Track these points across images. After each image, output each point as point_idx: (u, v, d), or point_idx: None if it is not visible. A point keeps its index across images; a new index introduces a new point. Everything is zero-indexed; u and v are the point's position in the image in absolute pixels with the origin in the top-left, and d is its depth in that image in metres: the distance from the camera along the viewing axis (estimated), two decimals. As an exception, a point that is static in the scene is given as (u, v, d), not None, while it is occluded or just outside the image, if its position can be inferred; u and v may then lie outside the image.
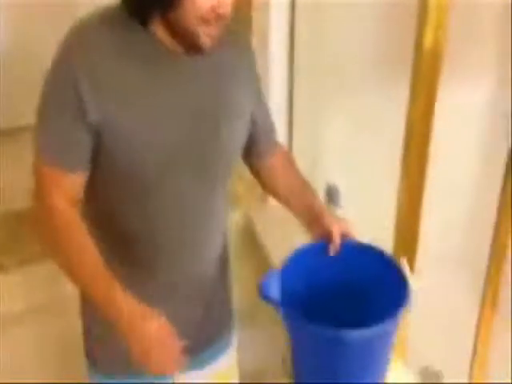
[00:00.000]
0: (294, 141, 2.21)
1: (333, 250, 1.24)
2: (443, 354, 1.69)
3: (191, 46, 1.09)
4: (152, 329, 1.02)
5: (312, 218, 1.27)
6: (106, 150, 1.10)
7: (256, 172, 1.36)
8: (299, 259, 1.23)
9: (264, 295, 1.14)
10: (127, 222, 1.17)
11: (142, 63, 1.09)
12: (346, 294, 1.26)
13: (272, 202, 2.04)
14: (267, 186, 1.37)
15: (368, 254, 1.24)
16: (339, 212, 1.91)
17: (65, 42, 1.07)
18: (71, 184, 1.12)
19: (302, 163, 2.19)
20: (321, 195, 1.94)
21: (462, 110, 1.85)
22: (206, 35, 1.07)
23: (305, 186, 1.33)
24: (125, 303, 1.04)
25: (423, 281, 1.57)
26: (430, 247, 1.58)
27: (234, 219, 2.22)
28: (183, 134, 1.13)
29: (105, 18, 1.09)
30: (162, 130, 1.11)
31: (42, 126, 1.10)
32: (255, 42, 2.08)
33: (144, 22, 1.07)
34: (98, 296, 1.06)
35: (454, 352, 1.65)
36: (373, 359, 1.16)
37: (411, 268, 1.53)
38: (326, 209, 1.31)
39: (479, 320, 1.49)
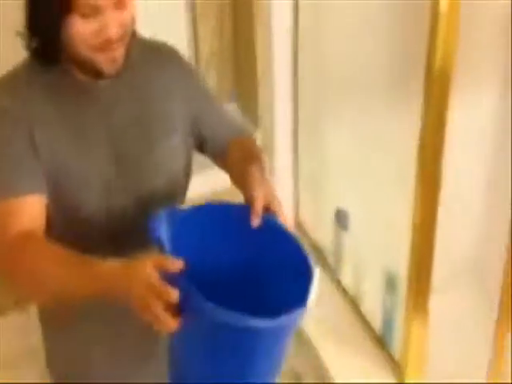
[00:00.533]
0: (300, 165, 2.23)
1: (254, 217, 1.06)
2: (460, 367, 1.70)
3: (94, 72, 1.10)
4: (144, 274, 0.90)
5: (244, 179, 1.14)
6: (49, 183, 1.11)
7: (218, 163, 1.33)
8: (206, 214, 1.07)
9: (153, 236, 0.97)
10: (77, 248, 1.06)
11: (63, 99, 1.13)
12: (248, 270, 1.10)
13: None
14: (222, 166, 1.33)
15: (282, 238, 1.07)
16: (348, 235, 1.92)
17: None
18: (31, 210, 1.08)
19: (310, 188, 2.21)
20: (331, 220, 1.97)
21: (471, 124, 1.87)
22: (104, 60, 1.07)
23: (250, 154, 1.24)
24: (113, 267, 0.96)
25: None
26: (445, 264, 1.59)
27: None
28: (117, 158, 1.15)
29: (26, 67, 1.13)
30: (95, 160, 1.14)
31: None
32: (260, 70, 2.12)
33: (50, 60, 1.11)
34: (87, 285, 0.97)
35: (470, 365, 1.67)
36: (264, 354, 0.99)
37: (427, 286, 1.54)
38: (265, 177, 1.15)
39: (495, 334, 1.50)
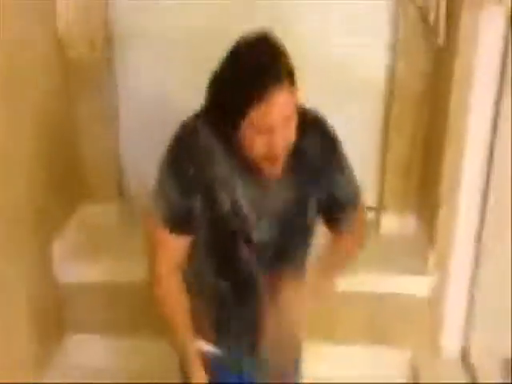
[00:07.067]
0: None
1: None
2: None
3: (259, 170, 1.34)
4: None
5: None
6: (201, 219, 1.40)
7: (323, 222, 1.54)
8: None
9: None
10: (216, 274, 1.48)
11: (230, 163, 1.36)
12: None
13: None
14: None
15: None
16: None
17: (175, 145, 1.38)
18: (177, 246, 1.42)
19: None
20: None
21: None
22: (266, 166, 1.32)
23: (331, 262, 1.52)
24: (192, 353, 1.47)
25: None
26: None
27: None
28: (278, 222, 1.43)
29: (204, 125, 1.36)
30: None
31: (162, 200, 1.40)
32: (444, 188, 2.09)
33: (227, 134, 1.32)
34: (178, 340, 1.48)
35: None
36: None
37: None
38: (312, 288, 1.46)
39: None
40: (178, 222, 1.39)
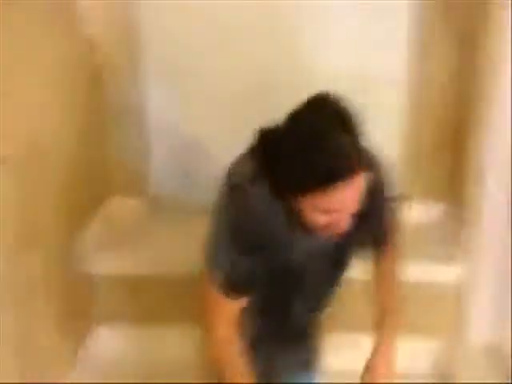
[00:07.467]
0: None
1: None
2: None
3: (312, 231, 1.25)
4: None
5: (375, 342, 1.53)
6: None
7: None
8: None
9: None
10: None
11: (285, 221, 1.26)
12: None
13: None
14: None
15: None
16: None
17: (232, 212, 1.30)
18: (235, 308, 1.37)
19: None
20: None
21: None
22: (325, 233, 1.23)
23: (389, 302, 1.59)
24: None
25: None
26: None
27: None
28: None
29: (256, 185, 1.24)
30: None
31: (220, 266, 1.33)
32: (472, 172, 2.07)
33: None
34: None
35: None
36: None
37: None
38: (389, 338, 1.55)
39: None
40: (237, 288, 1.34)
